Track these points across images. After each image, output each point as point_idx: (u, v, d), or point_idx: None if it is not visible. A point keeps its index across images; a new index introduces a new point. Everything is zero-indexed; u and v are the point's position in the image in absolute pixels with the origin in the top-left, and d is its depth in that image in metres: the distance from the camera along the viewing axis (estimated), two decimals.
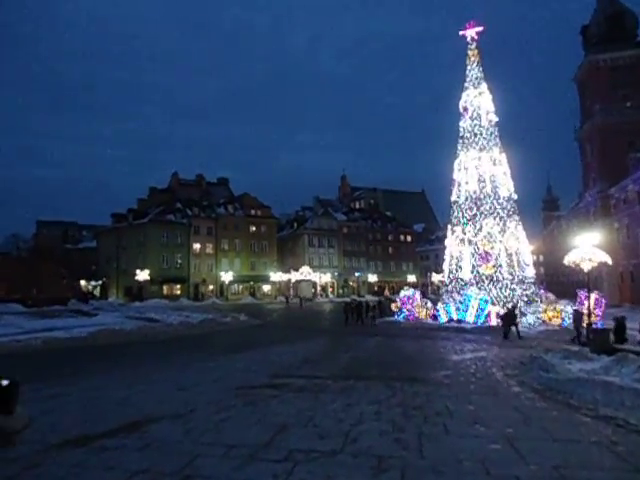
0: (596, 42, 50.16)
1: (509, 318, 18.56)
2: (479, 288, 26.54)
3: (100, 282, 64.35)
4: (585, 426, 5.98)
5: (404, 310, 28.08)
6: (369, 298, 55.60)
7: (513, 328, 18.78)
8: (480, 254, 27.49)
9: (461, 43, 31.52)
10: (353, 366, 11.27)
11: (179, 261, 60.19)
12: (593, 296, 22.72)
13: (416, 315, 27.62)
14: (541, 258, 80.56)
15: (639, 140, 43.81)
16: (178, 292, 59.22)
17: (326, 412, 6.68)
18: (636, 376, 7.81)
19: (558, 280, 63.78)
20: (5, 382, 3.01)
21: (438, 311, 26.92)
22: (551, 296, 28.75)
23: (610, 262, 16.87)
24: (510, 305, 21.13)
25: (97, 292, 64.85)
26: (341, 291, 69.50)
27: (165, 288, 58.70)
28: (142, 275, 54.60)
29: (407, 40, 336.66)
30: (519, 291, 26.41)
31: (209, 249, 62.55)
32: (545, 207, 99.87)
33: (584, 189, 54.18)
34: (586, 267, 16.35)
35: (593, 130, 48.72)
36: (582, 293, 25.21)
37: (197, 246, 61.63)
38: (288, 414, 6.55)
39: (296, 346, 15.44)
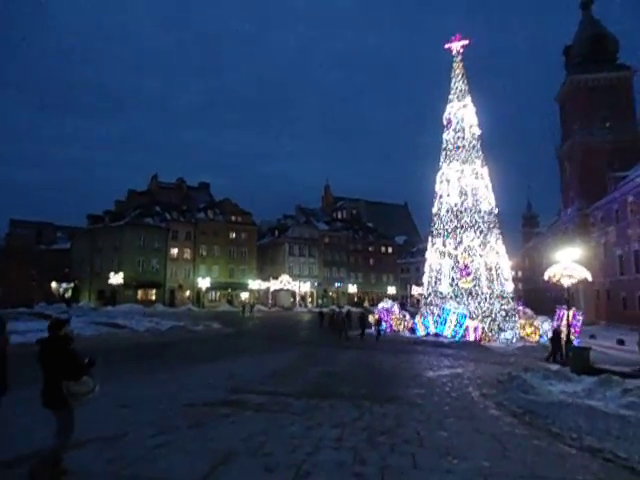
0: (578, 63, 51.10)
1: (557, 339, 16.92)
2: (458, 302, 26.13)
3: (72, 284, 62.20)
4: (569, 459, 5.33)
5: (382, 323, 27.41)
6: (353, 309, 54.95)
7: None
8: (460, 267, 27.13)
9: (446, 58, 31.54)
10: (321, 382, 10.49)
11: (155, 266, 58.59)
12: (571, 313, 22.45)
13: (394, 328, 27.02)
14: (520, 274, 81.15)
15: (618, 160, 44.39)
16: (153, 297, 57.53)
17: (281, 437, 5.90)
18: (622, 401, 7.26)
19: (536, 296, 64.09)
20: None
21: (416, 324, 26.39)
22: (529, 312, 28.49)
23: (590, 278, 16.55)
24: (555, 325, 20.17)
25: (69, 295, 62.63)
26: (320, 301, 68.63)
27: (140, 293, 56.99)
28: (116, 279, 52.88)
29: (394, 54, 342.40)
30: (498, 306, 26.07)
31: (187, 254, 61.15)
32: (525, 223, 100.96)
33: (563, 207, 54.78)
34: (566, 283, 15.99)
35: (573, 149, 49.36)
36: (561, 310, 25.01)
37: (175, 251, 60.19)
38: (237, 439, 5.74)
39: (265, 358, 14.60)
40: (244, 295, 63.50)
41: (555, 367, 12.78)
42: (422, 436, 6.13)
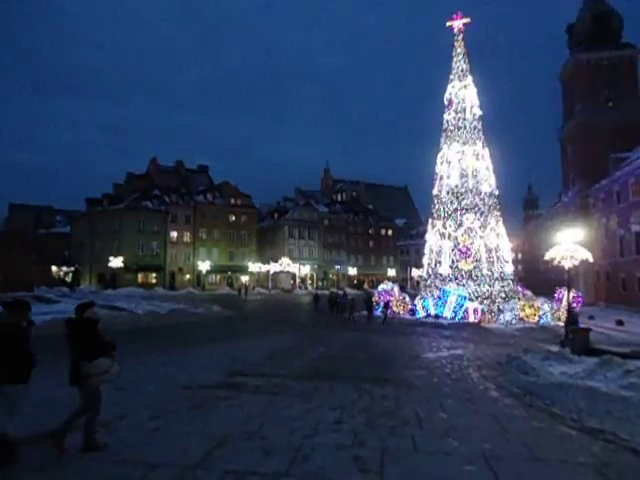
0: (581, 41, 50.08)
1: (572, 320, 15.67)
2: (458, 283, 26.09)
3: (72, 268, 62.21)
4: (570, 441, 5.28)
5: (381, 304, 27.40)
6: (349, 292, 55.06)
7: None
8: (460, 249, 27.01)
9: (448, 38, 30.88)
10: (321, 363, 10.47)
11: (155, 249, 58.52)
12: (571, 294, 22.42)
13: (394, 310, 27.01)
14: (520, 256, 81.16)
15: (619, 141, 43.85)
16: (154, 281, 57.60)
17: (279, 420, 5.85)
18: (623, 382, 7.19)
19: (535, 278, 64.26)
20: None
21: (416, 306, 26.39)
22: (529, 293, 28.49)
23: (592, 260, 16.44)
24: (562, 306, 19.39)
25: (69, 278, 62.71)
26: (320, 283, 68.80)
27: (140, 276, 57.03)
28: (116, 262, 52.84)
29: (395, 34, 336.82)
30: (497, 287, 26.06)
31: (187, 237, 61.04)
32: (525, 206, 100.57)
33: (564, 188, 54.40)
34: (567, 264, 15.88)
35: (574, 129, 48.76)
36: (560, 291, 25.02)
37: (174, 234, 60.05)
38: (235, 422, 5.69)
39: (264, 340, 14.59)
40: (244, 278, 63.62)
41: (555, 348, 12.76)
42: (422, 418, 6.08)
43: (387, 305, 24.28)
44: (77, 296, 38.14)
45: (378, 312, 26.46)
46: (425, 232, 31.31)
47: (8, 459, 4.23)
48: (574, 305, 22.29)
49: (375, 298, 27.40)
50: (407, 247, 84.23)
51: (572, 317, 16.06)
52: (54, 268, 63.60)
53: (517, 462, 4.56)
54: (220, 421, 5.72)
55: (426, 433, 5.43)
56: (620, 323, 24.13)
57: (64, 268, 63.98)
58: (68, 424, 4.62)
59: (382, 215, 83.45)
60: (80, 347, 4.58)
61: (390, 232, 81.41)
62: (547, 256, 16.26)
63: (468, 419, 6.11)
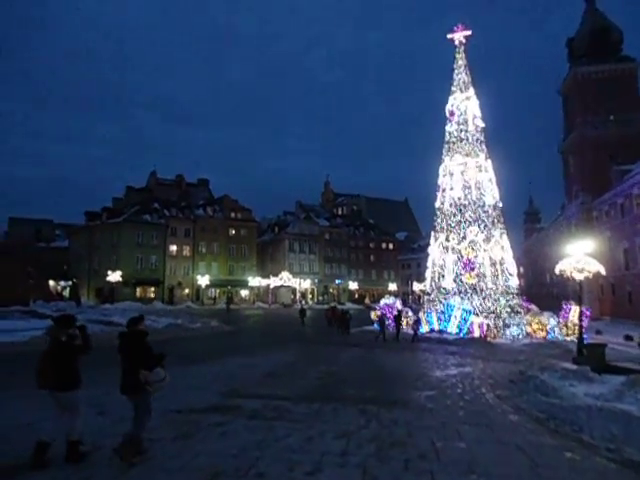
0: (581, 55, 50.19)
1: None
2: (462, 297, 25.39)
3: (70, 283, 61.42)
4: (613, 478, 4.61)
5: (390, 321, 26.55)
6: (350, 306, 54.27)
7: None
8: (464, 262, 26.37)
9: (449, 53, 30.65)
10: (323, 383, 9.77)
11: (154, 263, 57.82)
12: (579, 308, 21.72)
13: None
14: (521, 270, 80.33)
15: (621, 153, 43.56)
16: (152, 295, 56.78)
17: (278, 451, 5.17)
18: None
19: (538, 292, 63.42)
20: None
21: (420, 321, 25.63)
22: (534, 308, 27.76)
23: (604, 272, 15.79)
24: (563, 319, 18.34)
25: (67, 293, 61.89)
26: (321, 298, 67.94)
27: (139, 290, 56.24)
28: (114, 276, 52.06)
29: (395, 51, 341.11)
30: (503, 301, 25.33)
31: (186, 251, 60.34)
32: (527, 219, 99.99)
33: (567, 201, 53.96)
34: (578, 277, 15.26)
35: (576, 142, 48.53)
36: (567, 305, 24.36)
37: (173, 248, 59.39)
38: (228, 454, 5.01)
39: (263, 357, 13.87)
40: (244, 292, 62.85)
41: (569, 365, 12.06)
42: (438, 448, 5.40)
43: (417, 322, 23.22)
44: (73, 310, 37.38)
45: (375, 326, 25.45)
46: (426, 246, 30.70)
47: (76, 459, 4.58)
48: (584, 320, 21.60)
49: (377, 313, 26.60)
50: (408, 261, 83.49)
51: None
52: (52, 282, 62.83)
53: None
54: (211, 453, 5.04)
55: (445, 468, 4.75)
56: (629, 338, 23.40)
57: (62, 282, 63.22)
58: (137, 434, 4.85)
59: (383, 229, 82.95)
60: (140, 357, 4.88)
61: (391, 246, 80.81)
62: (557, 269, 15.64)
63: (490, 449, 5.43)
